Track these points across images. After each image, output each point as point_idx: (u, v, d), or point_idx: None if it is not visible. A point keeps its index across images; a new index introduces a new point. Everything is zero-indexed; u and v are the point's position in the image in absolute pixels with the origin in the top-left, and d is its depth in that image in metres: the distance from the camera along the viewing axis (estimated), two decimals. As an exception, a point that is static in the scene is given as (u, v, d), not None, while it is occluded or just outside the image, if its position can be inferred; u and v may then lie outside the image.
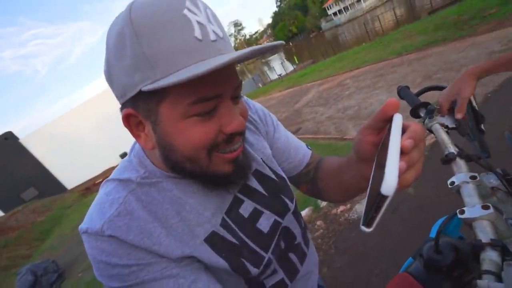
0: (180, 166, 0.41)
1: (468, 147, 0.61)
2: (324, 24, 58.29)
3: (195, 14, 0.35)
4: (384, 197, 0.26)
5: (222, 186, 0.46)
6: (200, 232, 0.45)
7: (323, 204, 2.47)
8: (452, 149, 0.60)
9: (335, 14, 54.58)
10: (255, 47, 0.35)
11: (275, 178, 0.57)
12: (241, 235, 0.49)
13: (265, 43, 0.38)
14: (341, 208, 2.31)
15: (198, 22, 0.34)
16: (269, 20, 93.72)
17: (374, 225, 0.28)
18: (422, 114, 0.69)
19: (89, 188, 14.48)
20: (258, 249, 0.51)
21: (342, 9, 51.97)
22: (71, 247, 6.66)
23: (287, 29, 69.26)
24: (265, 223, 0.53)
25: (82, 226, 0.42)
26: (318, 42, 35.10)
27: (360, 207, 2.24)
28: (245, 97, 0.62)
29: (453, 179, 0.56)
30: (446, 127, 0.66)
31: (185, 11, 0.34)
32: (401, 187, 0.30)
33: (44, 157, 16.82)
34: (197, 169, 0.41)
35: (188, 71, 0.32)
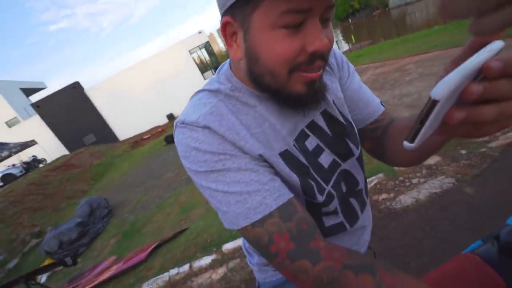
0: (260, 79, 0.44)
1: None
2: (392, 1, 52.06)
3: None
4: (434, 103, 0.22)
5: (293, 106, 0.48)
6: (276, 146, 0.49)
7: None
8: None
9: (407, -11, 48.16)
10: None
11: (343, 122, 0.57)
12: (307, 163, 0.52)
13: None
14: (384, 195, 2.18)
15: None
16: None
17: (417, 139, 0.24)
18: None
19: (137, 141, 15.84)
20: (319, 180, 0.53)
21: (417, -15, 45.58)
22: (118, 191, 7.50)
23: (349, 5, 63.37)
24: (325, 159, 0.55)
25: (179, 119, 0.47)
26: (381, 21, 31.71)
27: (405, 198, 2.09)
28: None
29: None
30: None
31: None
32: (471, 121, 0.24)
33: (103, 108, 18.65)
34: (275, 85, 0.43)
35: None
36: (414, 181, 2.25)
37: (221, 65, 0.56)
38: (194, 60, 18.17)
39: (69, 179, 9.75)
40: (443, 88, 0.21)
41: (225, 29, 0.43)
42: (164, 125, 17.84)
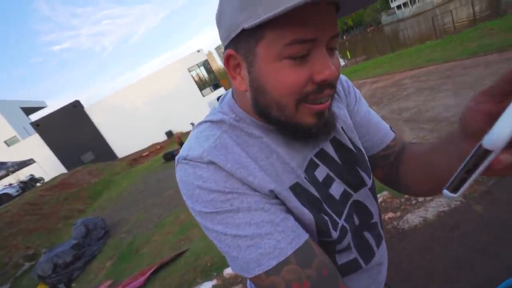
0: (267, 111, 0.42)
1: None
2: (384, 18, 53.86)
3: None
4: (486, 152, 0.20)
5: (303, 139, 0.46)
6: (286, 180, 0.45)
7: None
8: None
9: (398, 7, 50.00)
10: None
11: (353, 149, 0.54)
12: (318, 195, 0.48)
13: None
14: (390, 214, 2.12)
15: None
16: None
17: (462, 190, 0.22)
18: None
19: (136, 159, 15.75)
20: (332, 213, 0.49)
21: (408, 2, 47.36)
22: (116, 210, 7.36)
23: (343, 22, 65.48)
24: (336, 190, 0.51)
25: (181, 154, 0.44)
26: (375, 37, 32.65)
27: (412, 217, 2.02)
28: None
29: None
30: None
31: None
32: None
33: (102, 126, 18.70)
34: (282, 117, 0.41)
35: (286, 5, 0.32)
36: (420, 199, 2.20)
37: (223, 94, 0.53)
38: (193, 78, 18.47)
39: (66, 198, 9.58)
40: (501, 137, 0.19)
41: (228, 62, 0.42)
42: (163, 142, 17.83)
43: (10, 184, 14.17)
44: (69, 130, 17.95)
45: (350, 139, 0.55)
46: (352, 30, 64.43)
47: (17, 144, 19.06)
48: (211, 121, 0.47)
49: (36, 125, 17.73)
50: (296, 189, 0.46)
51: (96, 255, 4.90)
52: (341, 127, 0.54)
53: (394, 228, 2.01)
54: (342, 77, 0.61)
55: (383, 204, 2.32)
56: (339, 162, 0.53)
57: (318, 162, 0.50)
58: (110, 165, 15.11)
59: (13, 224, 7.48)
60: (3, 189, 13.20)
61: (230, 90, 0.52)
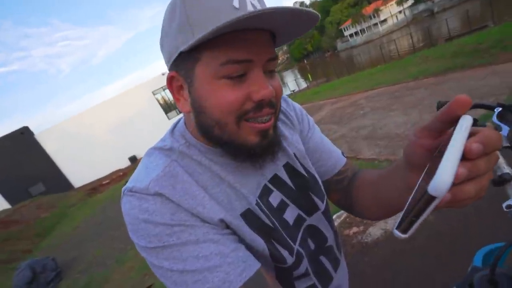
0: (209, 131, 0.42)
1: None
2: (339, 45, 59.11)
3: None
4: (431, 198, 0.21)
5: (248, 159, 0.45)
6: (238, 206, 0.45)
7: (335, 222, 2.36)
8: (507, 169, 0.54)
9: (351, 35, 55.41)
10: (289, 6, 0.34)
11: (305, 175, 0.55)
12: (273, 220, 0.49)
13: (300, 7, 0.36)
14: (354, 229, 2.20)
15: None
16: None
17: (411, 231, 0.23)
18: None
19: (95, 188, 14.56)
20: (287, 238, 0.50)
21: (359, 31, 52.81)
22: (70, 247, 6.62)
23: (303, 47, 70.39)
24: (290, 215, 0.52)
25: (127, 185, 0.42)
26: (332, 62, 35.41)
27: (374, 230, 2.12)
28: (284, 96, 0.61)
29: (510, 202, 0.50)
30: None
31: None
32: (455, 201, 0.24)
33: (56, 154, 17.12)
34: (225, 136, 0.41)
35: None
36: (380, 211, 2.32)
37: (176, 120, 0.53)
38: (158, 101, 18.09)
39: (8, 238, 8.38)
40: (443, 186, 0.20)
41: (171, 84, 0.43)
42: (126, 168, 16.83)
43: None
44: (15, 160, 16.14)
45: (302, 165, 0.56)
46: (312, 54, 69.38)
47: None
48: (161, 149, 0.46)
49: (-26, 156, 15.66)
50: (247, 215, 0.46)
51: (43, 303, 4.28)
52: (294, 153, 0.56)
53: (359, 243, 2.08)
54: (297, 105, 0.63)
55: (347, 219, 2.40)
56: (293, 187, 0.53)
57: (272, 188, 0.51)
58: (64, 196, 13.72)
59: None
60: None
61: (182, 116, 0.52)
